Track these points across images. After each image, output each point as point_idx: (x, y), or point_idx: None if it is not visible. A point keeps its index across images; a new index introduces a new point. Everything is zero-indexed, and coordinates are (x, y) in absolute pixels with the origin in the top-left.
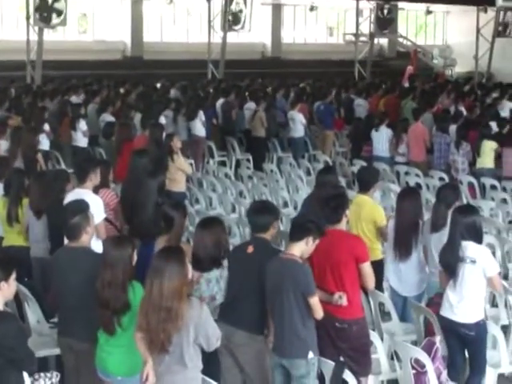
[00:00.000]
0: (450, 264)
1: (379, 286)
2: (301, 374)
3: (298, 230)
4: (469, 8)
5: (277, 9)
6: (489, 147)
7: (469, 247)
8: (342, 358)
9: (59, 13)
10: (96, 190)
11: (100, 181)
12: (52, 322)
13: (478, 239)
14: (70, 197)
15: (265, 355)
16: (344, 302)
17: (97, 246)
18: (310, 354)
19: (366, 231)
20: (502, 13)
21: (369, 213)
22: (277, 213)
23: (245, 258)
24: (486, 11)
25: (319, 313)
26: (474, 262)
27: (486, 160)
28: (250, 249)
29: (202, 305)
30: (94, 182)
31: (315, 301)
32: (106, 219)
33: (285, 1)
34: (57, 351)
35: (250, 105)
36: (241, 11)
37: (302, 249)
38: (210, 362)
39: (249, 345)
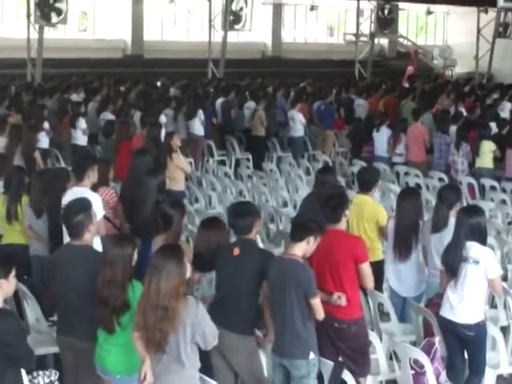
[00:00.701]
0: (453, 264)
1: (380, 286)
2: (301, 374)
3: (299, 230)
4: (469, 9)
5: (277, 8)
6: (487, 148)
7: (473, 248)
8: (340, 358)
9: (60, 11)
10: (95, 188)
11: (100, 179)
12: (51, 320)
13: (482, 240)
14: (68, 195)
15: (256, 356)
16: (343, 302)
17: (95, 243)
18: (311, 355)
19: (368, 231)
20: (502, 13)
21: (372, 212)
22: (257, 211)
23: (231, 260)
24: (486, 12)
25: (321, 314)
26: (477, 262)
27: (485, 160)
28: (236, 251)
29: (198, 303)
30: (91, 179)
31: (317, 302)
32: (105, 217)
33: (285, 0)
34: (55, 349)
35: (250, 104)
36: (241, 10)
37: (303, 249)
38: (202, 363)
39: (240, 346)
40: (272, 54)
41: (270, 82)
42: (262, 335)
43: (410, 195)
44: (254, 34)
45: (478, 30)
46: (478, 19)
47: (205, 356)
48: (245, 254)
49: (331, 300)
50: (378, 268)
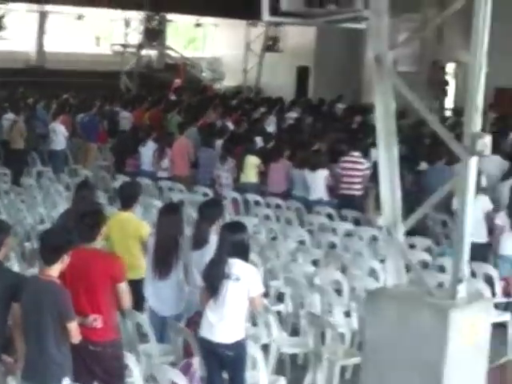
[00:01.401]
0: (214, 281)
1: (141, 305)
2: None
3: (51, 253)
4: (239, 22)
5: (42, 16)
6: (251, 162)
7: (235, 265)
8: (95, 383)
9: None
10: None
11: None
12: None
13: (245, 257)
14: None
15: None
16: (99, 324)
17: None
18: (66, 381)
19: (132, 248)
20: (272, 28)
21: (135, 229)
22: (7, 229)
23: None
24: (256, 26)
25: (77, 337)
26: (238, 279)
27: (250, 175)
28: None
29: None
30: None
31: (74, 326)
32: None
33: (51, 8)
34: None
35: (9, 115)
36: (3, 18)
37: (58, 269)
38: None
39: None
40: (36, 63)
41: (31, 93)
42: (13, 361)
43: (169, 211)
44: (17, 42)
45: (247, 44)
46: (247, 33)
47: None
48: None
49: (86, 322)
50: (139, 286)
